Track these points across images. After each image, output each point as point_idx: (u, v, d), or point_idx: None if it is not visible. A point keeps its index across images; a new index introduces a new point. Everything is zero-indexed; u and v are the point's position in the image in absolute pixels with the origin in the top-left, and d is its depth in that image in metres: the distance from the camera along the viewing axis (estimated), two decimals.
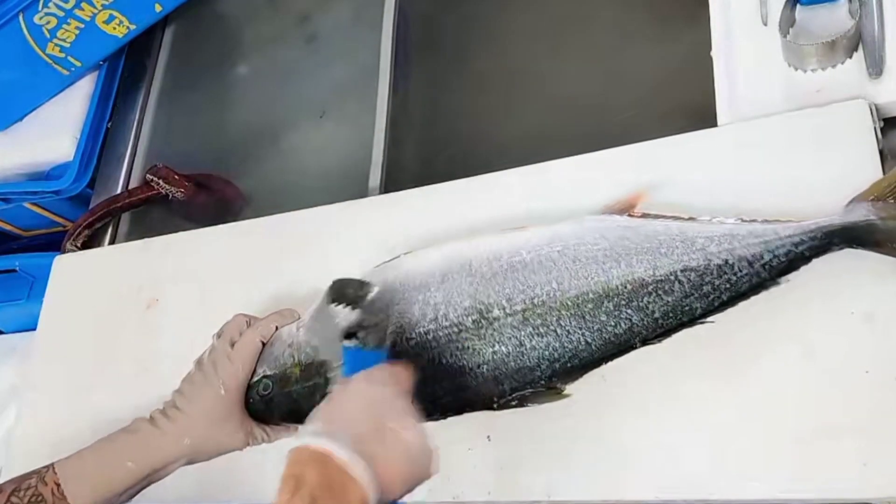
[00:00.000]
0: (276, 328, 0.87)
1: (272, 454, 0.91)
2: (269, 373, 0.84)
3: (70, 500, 0.75)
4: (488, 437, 0.82)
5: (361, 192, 1.11)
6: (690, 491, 0.73)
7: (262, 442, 0.84)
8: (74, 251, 1.28)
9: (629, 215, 0.80)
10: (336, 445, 0.61)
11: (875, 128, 0.77)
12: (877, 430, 0.68)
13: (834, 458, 0.69)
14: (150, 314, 1.11)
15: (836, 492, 0.68)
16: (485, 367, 0.78)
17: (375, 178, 1.12)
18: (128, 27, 1.35)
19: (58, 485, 0.75)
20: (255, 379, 0.84)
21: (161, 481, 0.85)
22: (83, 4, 1.28)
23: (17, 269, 1.38)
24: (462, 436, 0.83)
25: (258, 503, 0.92)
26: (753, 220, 0.74)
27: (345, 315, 0.79)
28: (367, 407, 0.67)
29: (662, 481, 0.74)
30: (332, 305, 0.80)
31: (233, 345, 0.84)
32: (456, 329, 0.78)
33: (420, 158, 1.17)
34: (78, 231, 1.28)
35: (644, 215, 0.79)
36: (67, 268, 1.24)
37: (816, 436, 0.70)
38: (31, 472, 0.77)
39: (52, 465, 0.77)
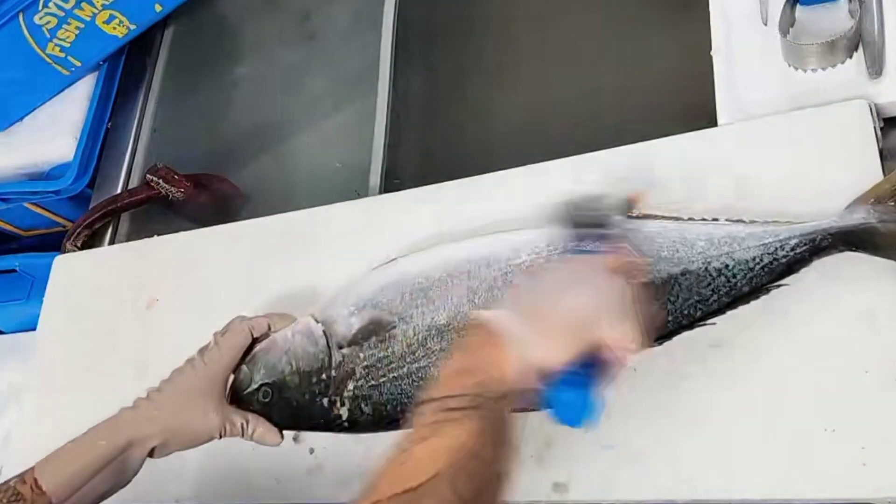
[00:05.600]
0: (270, 327, 0.85)
1: (267, 454, 0.92)
2: (267, 381, 0.82)
3: (47, 491, 0.75)
4: None
5: (361, 192, 1.11)
6: (690, 491, 0.73)
7: (240, 432, 0.82)
8: (74, 251, 1.28)
9: (628, 216, 0.79)
10: (492, 312, 0.62)
11: (875, 128, 0.77)
12: (877, 431, 0.68)
13: (834, 458, 0.69)
14: (150, 314, 1.11)
15: (836, 492, 0.68)
16: None
17: (375, 178, 1.12)
18: (128, 27, 1.35)
19: (35, 480, 0.75)
20: (254, 387, 0.82)
21: (161, 480, 0.84)
22: (83, 4, 1.28)
23: (17, 269, 1.38)
24: None
25: (255, 502, 0.93)
26: (754, 221, 0.74)
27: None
28: (551, 279, 0.66)
29: (662, 481, 0.74)
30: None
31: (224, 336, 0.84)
32: (456, 329, 0.78)
33: (420, 158, 1.17)
34: (78, 231, 1.28)
35: (643, 216, 0.79)
36: (67, 268, 1.24)
37: (816, 436, 0.70)
38: (13, 476, 0.77)
39: (33, 466, 0.78)
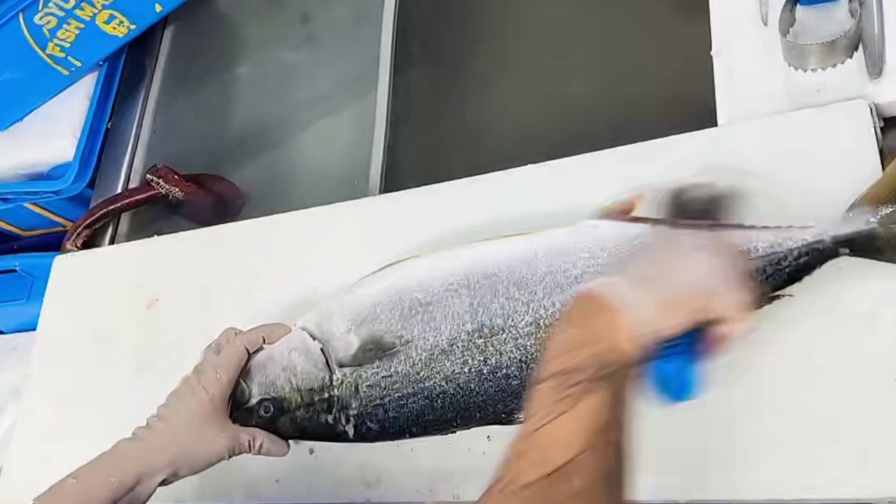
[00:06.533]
0: (264, 339, 0.85)
1: (267, 457, 0.91)
2: (266, 396, 0.82)
3: None
4: (488, 436, 0.82)
5: (361, 192, 1.11)
6: (690, 491, 0.73)
7: (248, 449, 0.82)
8: (74, 251, 1.28)
9: (627, 219, 0.79)
10: (600, 282, 0.60)
11: (875, 128, 0.77)
12: (877, 431, 0.68)
13: (834, 458, 0.69)
14: (150, 314, 1.11)
15: (836, 492, 0.68)
16: (493, 390, 0.77)
17: (375, 178, 1.12)
18: (128, 27, 1.35)
19: None
20: (254, 402, 0.82)
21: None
22: (83, 4, 1.28)
23: (17, 269, 1.38)
24: (462, 436, 0.83)
25: (255, 502, 0.93)
26: (753, 227, 0.73)
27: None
28: (662, 249, 0.64)
29: (662, 481, 0.74)
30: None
31: (219, 354, 0.84)
32: (462, 356, 0.77)
33: (420, 158, 1.17)
34: (78, 231, 1.28)
35: (643, 219, 0.78)
36: (67, 268, 1.24)
37: (816, 436, 0.70)
38: None
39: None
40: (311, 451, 0.91)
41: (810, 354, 0.72)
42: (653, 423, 0.76)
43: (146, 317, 1.11)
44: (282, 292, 1.00)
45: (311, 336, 0.83)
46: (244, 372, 0.83)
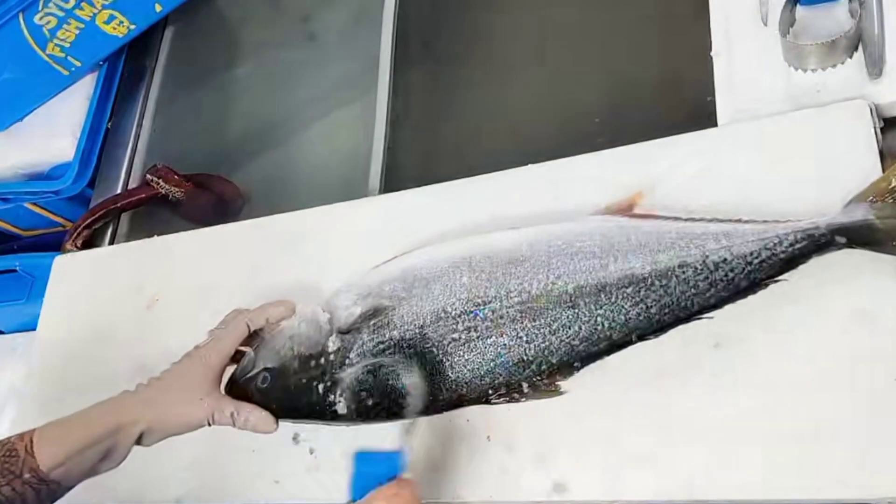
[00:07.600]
0: (268, 320, 0.87)
1: (267, 454, 0.92)
2: (269, 366, 0.84)
3: (37, 456, 0.77)
4: (488, 437, 0.82)
5: (361, 192, 1.11)
6: (690, 491, 0.73)
7: (230, 420, 0.83)
8: (74, 251, 1.28)
9: (629, 215, 0.80)
10: None
11: (875, 128, 0.77)
12: (877, 431, 0.68)
13: (834, 458, 0.69)
14: (150, 314, 1.11)
15: (836, 492, 0.68)
16: (481, 360, 0.78)
17: (375, 178, 1.12)
18: (128, 27, 1.35)
19: (31, 441, 0.78)
20: (255, 371, 0.84)
21: (161, 480, 0.85)
22: (83, 4, 1.28)
23: (17, 269, 1.38)
24: (462, 436, 0.83)
25: (255, 502, 0.93)
26: (752, 220, 0.74)
27: None
28: None
29: (662, 481, 0.74)
30: None
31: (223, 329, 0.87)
32: (454, 323, 0.79)
33: (420, 158, 1.17)
34: (78, 231, 1.28)
35: (643, 215, 0.79)
36: (67, 268, 1.24)
37: (816, 436, 0.70)
38: (15, 434, 0.80)
39: (34, 428, 0.81)
40: (311, 451, 0.91)
41: (811, 354, 0.72)
42: (655, 424, 0.76)
43: (146, 317, 1.11)
44: (281, 292, 1.00)
45: (321, 310, 0.86)
46: (256, 345, 0.87)
